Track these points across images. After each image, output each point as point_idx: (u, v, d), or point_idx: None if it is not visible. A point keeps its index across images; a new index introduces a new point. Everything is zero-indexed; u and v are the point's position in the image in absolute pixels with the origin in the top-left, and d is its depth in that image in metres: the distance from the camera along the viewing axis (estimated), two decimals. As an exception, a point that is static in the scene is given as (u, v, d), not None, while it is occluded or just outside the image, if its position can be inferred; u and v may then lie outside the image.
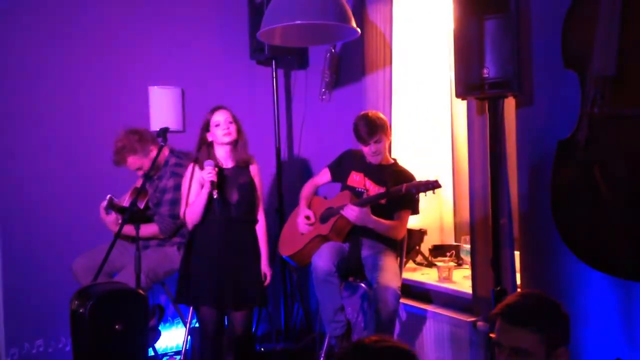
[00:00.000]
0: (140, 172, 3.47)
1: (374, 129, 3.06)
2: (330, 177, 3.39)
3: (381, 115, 3.17)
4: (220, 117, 3.04)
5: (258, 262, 3.12)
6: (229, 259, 3.03)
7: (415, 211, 3.18)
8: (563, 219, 2.34)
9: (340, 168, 3.34)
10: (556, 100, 2.62)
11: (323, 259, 2.99)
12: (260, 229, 3.17)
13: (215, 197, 2.94)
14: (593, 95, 2.20)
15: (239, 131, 3.09)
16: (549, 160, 2.39)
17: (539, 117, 2.72)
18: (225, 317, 3.13)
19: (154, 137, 3.44)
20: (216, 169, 2.98)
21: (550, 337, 1.68)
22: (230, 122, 3.05)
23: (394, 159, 3.29)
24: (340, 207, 3.09)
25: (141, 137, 3.42)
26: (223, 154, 3.10)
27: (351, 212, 2.96)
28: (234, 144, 3.10)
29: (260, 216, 3.19)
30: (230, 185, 3.07)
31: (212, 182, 2.93)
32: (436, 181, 2.77)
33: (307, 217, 3.31)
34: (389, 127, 3.16)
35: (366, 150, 3.13)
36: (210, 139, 3.07)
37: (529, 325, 1.67)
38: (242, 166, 3.11)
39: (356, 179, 3.23)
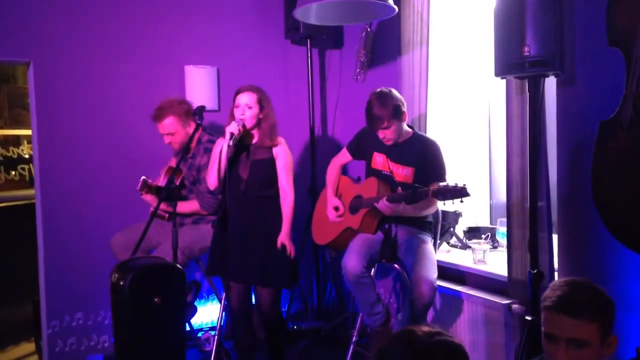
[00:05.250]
0: (167, 139, 3.51)
1: (382, 117, 2.95)
2: (350, 157, 3.37)
3: (396, 98, 3.01)
4: (241, 100, 3.06)
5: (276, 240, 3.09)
6: (242, 235, 3.06)
7: (443, 180, 3.07)
8: (605, 202, 2.28)
9: (359, 149, 3.30)
10: (599, 80, 2.55)
11: (352, 261, 2.96)
12: (286, 204, 3.11)
13: (230, 143, 2.95)
14: (639, 74, 2.13)
15: (260, 115, 3.07)
16: (590, 142, 2.33)
17: (581, 96, 2.65)
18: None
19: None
20: (241, 127, 2.99)
21: (604, 326, 1.66)
22: (249, 107, 3.04)
23: (412, 129, 3.18)
24: (370, 200, 3.06)
25: (188, 110, 3.48)
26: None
27: (385, 208, 2.91)
28: (257, 126, 3.09)
29: (286, 192, 3.11)
30: (244, 161, 3.09)
31: (231, 133, 2.95)
32: (464, 188, 2.62)
33: (336, 208, 3.30)
34: (403, 109, 3.02)
35: (378, 133, 3.06)
36: None
37: (586, 315, 1.64)
38: (262, 145, 3.11)
39: (379, 160, 3.18)
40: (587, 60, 2.61)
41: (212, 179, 3.11)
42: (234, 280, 3.11)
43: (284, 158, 3.12)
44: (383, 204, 2.91)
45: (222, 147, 3.02)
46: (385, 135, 3.02)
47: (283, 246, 3.07)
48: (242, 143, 3.11)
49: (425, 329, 1.29)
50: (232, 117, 3.08)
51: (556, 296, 1.69)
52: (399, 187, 2.95)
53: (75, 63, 3.71)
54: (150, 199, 3.45)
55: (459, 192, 2.64)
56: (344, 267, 2.98)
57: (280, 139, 3.13)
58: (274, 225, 3.10)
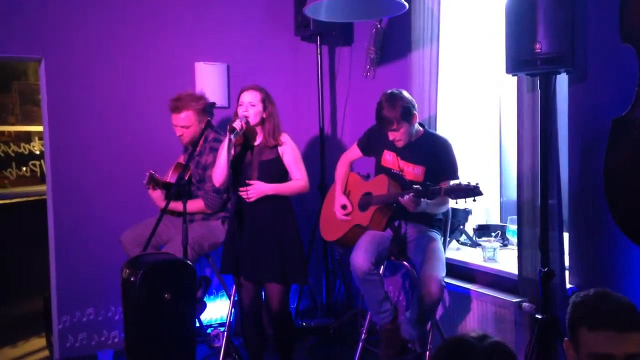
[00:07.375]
0: (179, 131, 3.51)
1: (392, 119, 2.93)
2: (360, 154, 3.36)
3: (406, 100, 2.97)
4: (244, 98, 3.08)
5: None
6: (254, 235, 3.07)
7: (456, 177, 3.05)
8: (617, 201, 2.27)
9: (370, 145, 3.29)
10: (611, 77, 2.53)
11: (361, 258, 2.93)
12: (294, 182, 3.13)
13: (231, 137, 2.94)
14: (652, 72, 2.12)
15: (263, 114, 3.07)
16: (602, 140, 2.32)
17: (593, 94, 2.63)
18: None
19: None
20: (244, 123, 3.00)
21: None
22: (253, 105, 3.06)
23: (423, 127, 3.17)
24: (380, 197, 3.05)
25: (205, 108, 3.51)
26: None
27: (411, 203, 2.82)
28: (260, 125, 3.10)
29: (299, 179, 3.14)
30: (252, 163, 3.10)
31: (232, 127, 2.95)
32: (477, 187, 2.59)
33: (344, 207, 3.29)
34: (413, 111, 2.98)
35: (388, 135, 3.03)
36: None
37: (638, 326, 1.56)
38: (267, 145, 3.11)
39: (389, 159, 3.17)
40: (599, 57, 2.59)
41: (216, 176, 3.13)
42: (248, 280, 3.13)
43: (290, 153, 3.13)
44: (409, 199, 2.82)
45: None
46: (395, 137, 3.01)
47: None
48: (249, 144, 3.11)
49: (474, 333, 1.33)
50: (236, 116, 3.09)
51: (603, 313, 1.58)
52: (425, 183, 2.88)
53: (87, 59, 3.73)
54: (156, 195, 3.45)
55: (472, 191, 2.61)
56: (352, 264, 2.97)
57: (284, 136, 3.13)
58: (285, 223, 3.12)
